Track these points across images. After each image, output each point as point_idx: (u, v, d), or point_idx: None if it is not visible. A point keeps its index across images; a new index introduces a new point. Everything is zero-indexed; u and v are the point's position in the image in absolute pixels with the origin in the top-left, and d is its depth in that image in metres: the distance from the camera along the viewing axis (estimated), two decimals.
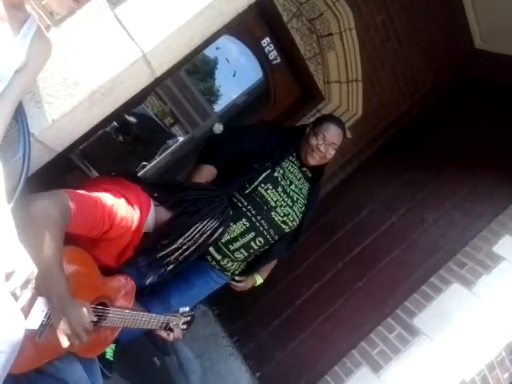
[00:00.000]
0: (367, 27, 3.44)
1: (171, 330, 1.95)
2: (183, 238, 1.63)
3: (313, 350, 2.94)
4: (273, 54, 3.43)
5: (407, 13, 3.54)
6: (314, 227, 3.46)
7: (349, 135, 3.83)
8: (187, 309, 2.06)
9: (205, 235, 1.67)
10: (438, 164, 3.50)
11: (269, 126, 2.67)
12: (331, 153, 2.34)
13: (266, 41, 3.37)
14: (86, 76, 1.36)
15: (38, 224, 1.23)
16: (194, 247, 1.67)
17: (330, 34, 3.39)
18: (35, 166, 1.44)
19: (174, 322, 1.95)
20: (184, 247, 1.65)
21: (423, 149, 3.63)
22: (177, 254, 1.65)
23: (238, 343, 3.19)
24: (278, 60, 3.47)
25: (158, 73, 1.58)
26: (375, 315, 2.91)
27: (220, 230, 1.71)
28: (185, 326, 2.03)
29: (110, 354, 2.17)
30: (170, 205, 1.67)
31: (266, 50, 3.40)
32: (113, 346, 2.14)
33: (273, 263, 2.58)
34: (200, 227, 1.65)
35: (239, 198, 2.30)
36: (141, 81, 1.56)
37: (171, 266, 1.68)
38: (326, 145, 2.30)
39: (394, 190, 3.57)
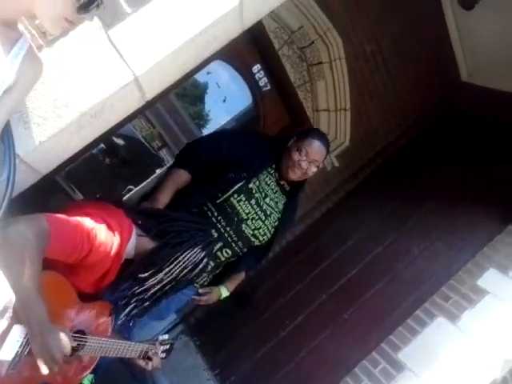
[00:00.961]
0: (357, 57, 3.50)
1: (150, 358, 1.89)
2: (163, 273, 1.60)
3: None
4: (263, 81, 3.45)
5: (396, 44, 3.61)
6: (299, 256, 3.44)
7: (336, 163, 3.86)
8: (166, 336, 2.01)
9: (185, 270, 1.63)
10: (421, 195, 3.53)
11: (253, 136, 2.58)
12: (313, 170, 2.28)
13: (256, 67, 3.40)
14: (76, 97, 1.33)
15: (16, 248, 1.20)
16: (173, 283, 1.63)
17: (320, 63, 3.43)
18: (19, 188, 1.40)
19: (153, 351, 1.90)
20: (164, 282, 1.61)
21: (408, 180, 3.66)
22: (155, 288, 1.61)
23: (219, 376, 3.12)
24: (268, 87, 3.49)
25: (149, 96, 1.57)
26: (360, 349, 2.88)
27: (201, 265, 1.67)
28: (164, 355, 1.99)
29: None
30: (154, 234, 1.64)
31: (256, 76, 3.42)
32: (90, 376, 2.06)
33: (240, 277, 2.51)
34: (181, 261, 1.62)
35: (210, 206, 2.24)
36: (131, 104, 1.54)
37: (147, 303, 1.65)
38: (308, 161, 2.24)
39: (380, 220, 3.58)
